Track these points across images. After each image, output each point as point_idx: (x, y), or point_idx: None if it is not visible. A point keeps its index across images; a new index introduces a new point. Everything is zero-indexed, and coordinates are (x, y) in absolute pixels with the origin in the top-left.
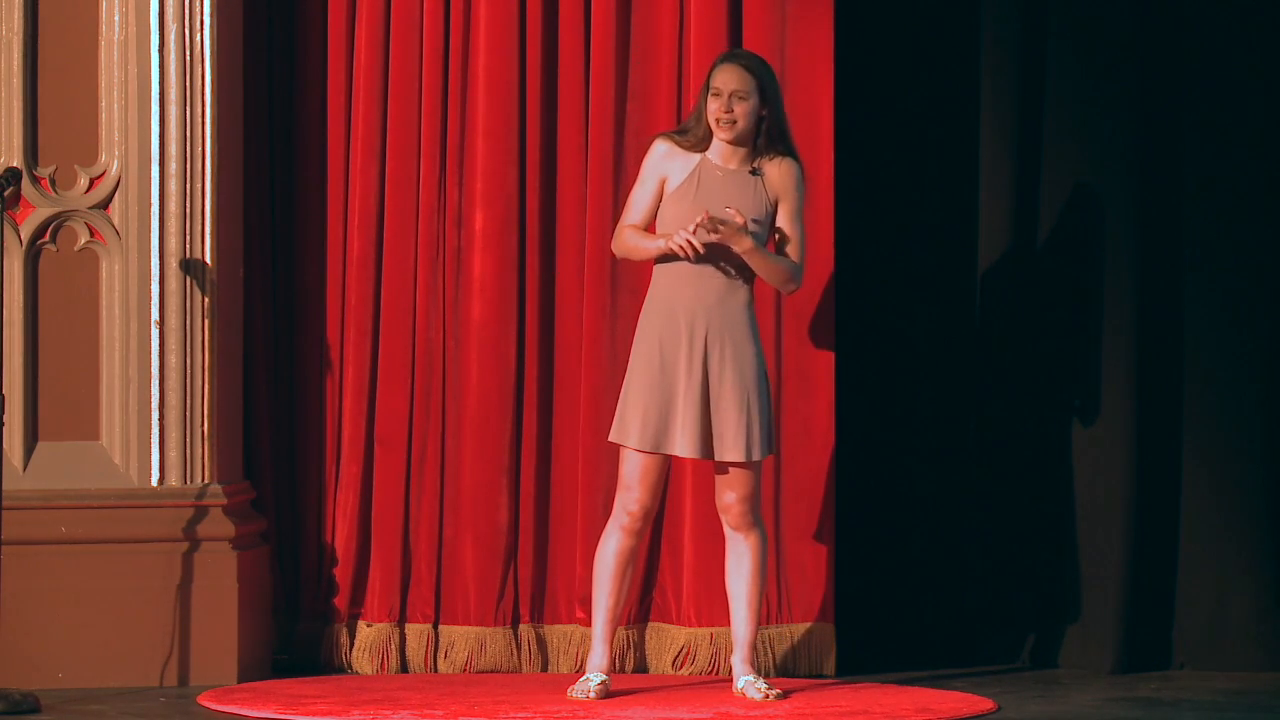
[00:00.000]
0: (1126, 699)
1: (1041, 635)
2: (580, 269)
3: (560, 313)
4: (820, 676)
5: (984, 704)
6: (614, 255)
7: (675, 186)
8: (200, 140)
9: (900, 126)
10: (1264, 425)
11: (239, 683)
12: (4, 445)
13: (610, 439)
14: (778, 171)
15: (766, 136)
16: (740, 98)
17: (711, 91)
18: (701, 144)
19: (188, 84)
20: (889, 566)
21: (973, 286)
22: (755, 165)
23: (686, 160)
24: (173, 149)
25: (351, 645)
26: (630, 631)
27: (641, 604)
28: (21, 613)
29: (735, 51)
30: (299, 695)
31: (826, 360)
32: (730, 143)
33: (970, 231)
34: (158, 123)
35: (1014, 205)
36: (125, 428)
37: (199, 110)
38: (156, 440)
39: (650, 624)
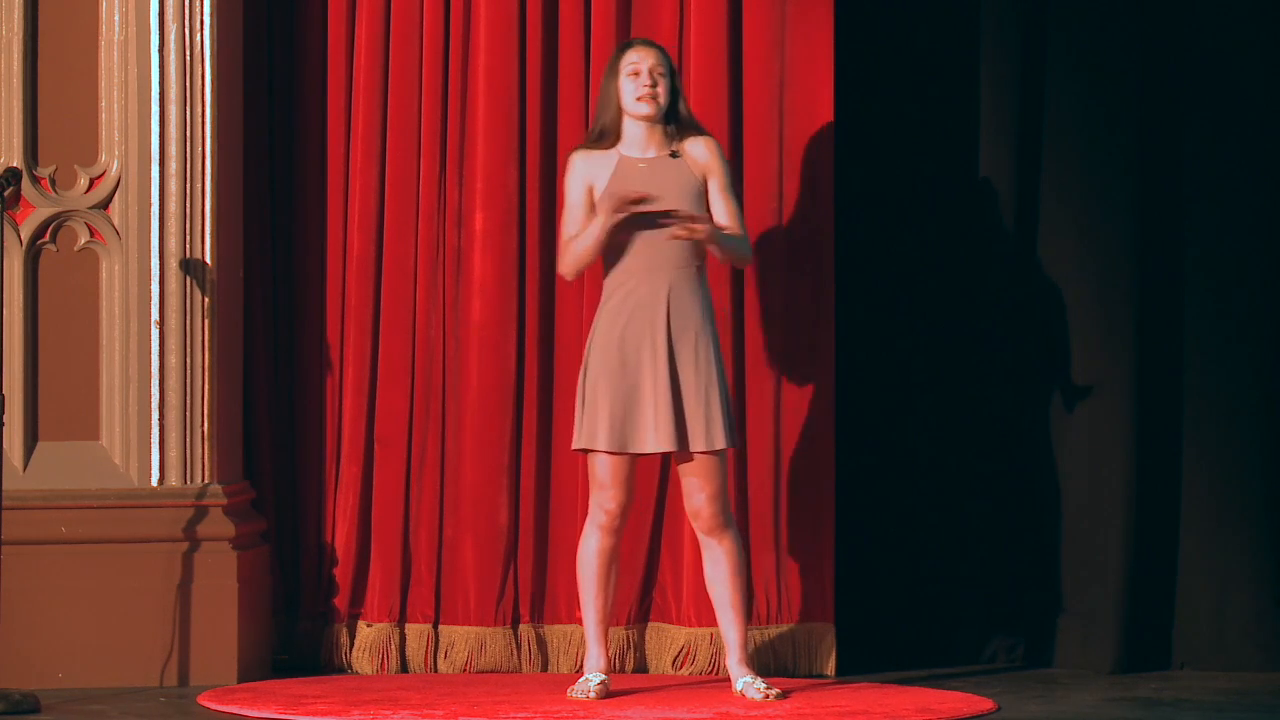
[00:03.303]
0: (1126, 699)
1: (1041, 635)
2: None
3: (560, 313)
4: (820, 676)
5: (984, 704)
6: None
7: (602, 190)
8: (200, 140)
9: (900, 126)
10: (1264, 425)
11: (239, 683)
12: (4, 445)
13: (575, 447)
14: (700, 150)
15: (679, 117)
16: (660, 74)
17: (629, 72)
18: (613, 140)
19: (188, 84)
20: (889, 566)
21: (973, 285)
22: (674, 148)
23: (605, 161)
24: (173, 149)
25: (351, 645)
26: (630, 631)
27: (641, 604)
28: (21, 613)
29: (635, 39)
30: (299, 695)
31: (827, 359)
32: (650, 120)
33: (970, 231)
34: (158, 123)
35: (1014, 204)
36: (125, 428)
37: (199, 110)
38: (156, 440)
39: (650, 624)
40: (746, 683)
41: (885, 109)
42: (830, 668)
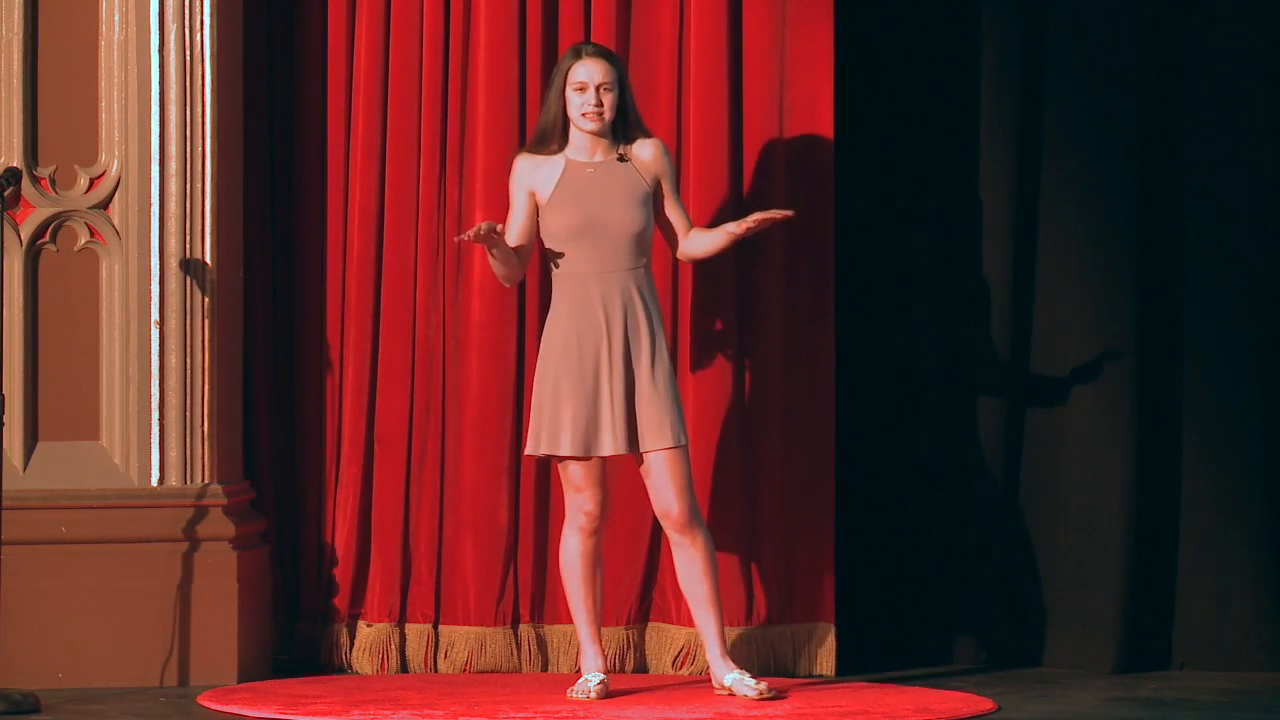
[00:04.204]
0: (1126, 699)
1: (1041, 635)
2: None
3: None
4: (820, 676)
5: (984, 704)
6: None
7: (549, 195)
8: (200, 140)
9: (900, 126)
10: (1264, 426)
11: (239, 683)
12: (4, 445)
13: (532, 452)
14: (649, 153)
15: (626, 122)
16: (607, 89)
17: (574, 87)
18: (558, 144)
19: (188, 84)
20: (889, 566)
21: (973, 285)
22: (621, 152)
23: (551, 167)
24: (173, 149)
25: (351, 645)
26: (630, 631)
27: (641, 604)
28: (21, 613)
29: (586, 44)
30: (299, 695)
31: (827, 359)
32: (596, 134)
33: (971, 231)
34: (158, 123)
35: (1014, 204)
36: (125, 428)
37: (199, 110)
38: (156, 440)
39: (650, 624)
40: (735, 679)
41: (885, 108)
42: (830, 668)
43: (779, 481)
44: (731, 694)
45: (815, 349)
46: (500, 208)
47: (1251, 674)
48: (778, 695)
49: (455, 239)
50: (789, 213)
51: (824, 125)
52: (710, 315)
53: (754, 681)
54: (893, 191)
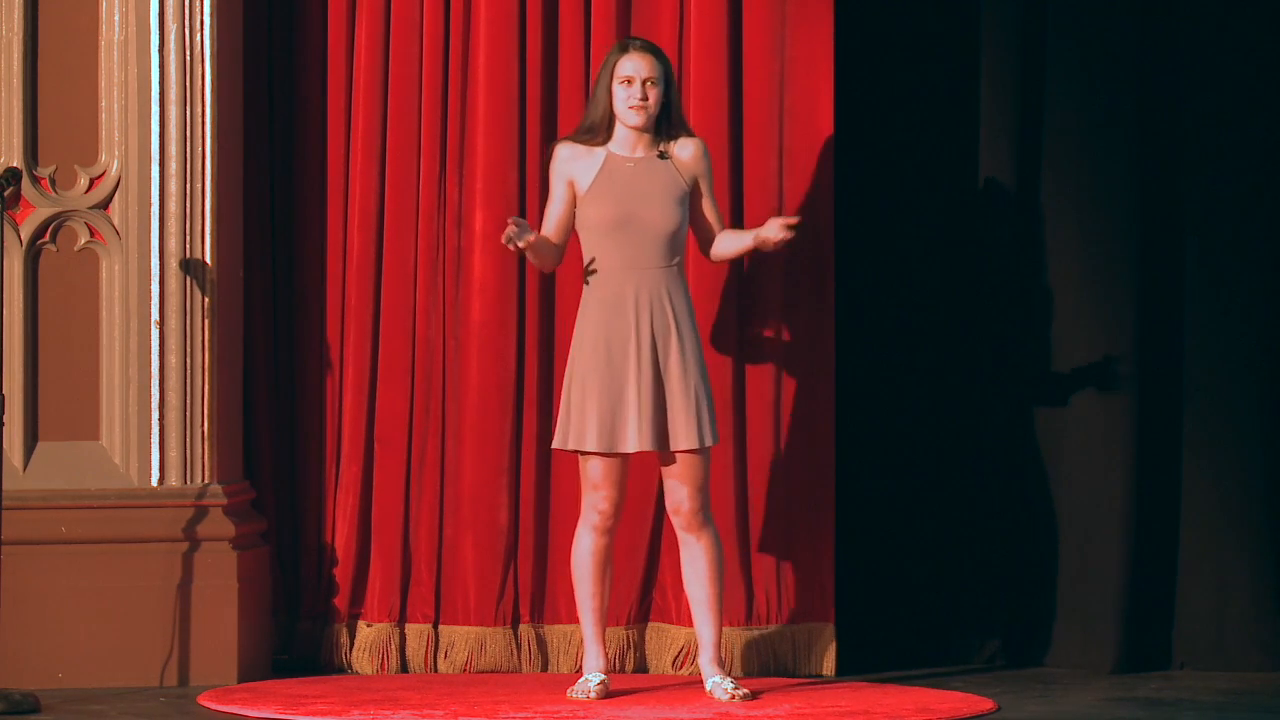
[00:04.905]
0: (1126, 699)
1: (1041, 635)
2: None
3: (560, 313)
4: (820, 676)
5: (984, 704)
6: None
7: (588, 186)
8: (200, 140)
9: (900, 126)
10: (1264, 425)
11: (239, 683)
12: (4, 445)
13: (560, 447)
14: (689, 153)
15: (669, 120)
16: (653, 83)
17: (620, 80)
18: (603, 137)
19: (188, 84)
20: (889, 567)
21: (973, 286)
22: (663, 149)
23: (591, 158)
24: (173, 149)
25: (351, 645)
26: (630, 631)
27: (641, 604)
28: (21, 613)
29: (634, 39)
30: (299, 695)
31: (827, 359)
32: (639, 129)
33: (970, 230)
34: (158, 123)
35: (1014, 205)
36: (125, 428)
37: (199, 110)
38: (156, 440)
39: (650, 624)
40: (715, 683)
41: (885, 109)
42: (830, 668)
43: (779, 481)
44: (712, 696)
45: (815, 349)
46: (499, 207)
47: (1251, 674)
48: (749, 697)
49: (517, 249)
50: (795, 219)
51: (824, 125)
52: (710, 314)
53: (731, 685)
54: (893, 191)
